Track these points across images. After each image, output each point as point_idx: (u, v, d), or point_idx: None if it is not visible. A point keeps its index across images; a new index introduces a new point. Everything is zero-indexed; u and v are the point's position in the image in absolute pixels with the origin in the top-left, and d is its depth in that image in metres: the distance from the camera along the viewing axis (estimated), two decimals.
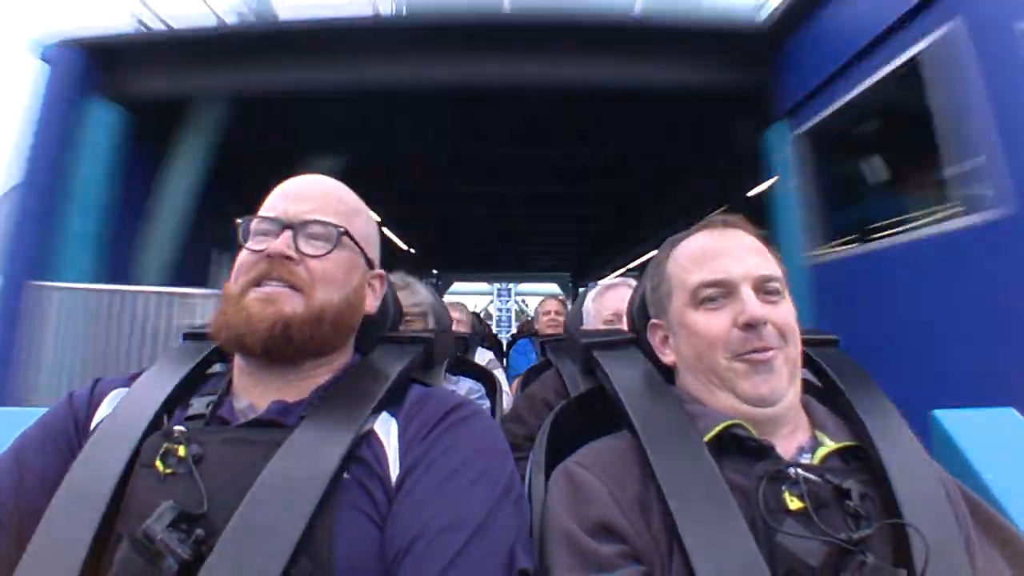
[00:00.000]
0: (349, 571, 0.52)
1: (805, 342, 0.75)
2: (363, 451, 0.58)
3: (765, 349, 0.64)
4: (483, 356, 2.84)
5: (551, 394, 1.26)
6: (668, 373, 0.76)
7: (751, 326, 0.64)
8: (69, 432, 0.64)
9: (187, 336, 0.82)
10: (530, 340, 3.69)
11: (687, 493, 0.57)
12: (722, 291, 0.67)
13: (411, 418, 0.63)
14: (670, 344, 0.74)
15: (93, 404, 0.66)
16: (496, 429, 0.68)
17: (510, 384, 2.91)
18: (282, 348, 0.62)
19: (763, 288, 0.67)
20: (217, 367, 0.77)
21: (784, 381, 0.64)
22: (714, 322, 0.67)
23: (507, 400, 2.58)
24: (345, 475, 0.56)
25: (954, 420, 0.89)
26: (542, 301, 3.78)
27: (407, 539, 0.52)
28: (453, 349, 1.13)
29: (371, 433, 0.60)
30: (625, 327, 1.49)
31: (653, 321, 0.77)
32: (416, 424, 0.62)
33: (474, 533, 0.53)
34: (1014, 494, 0.81)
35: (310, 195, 0.69)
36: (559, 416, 0.82)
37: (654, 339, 0.76)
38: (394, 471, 0.58)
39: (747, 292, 0.66)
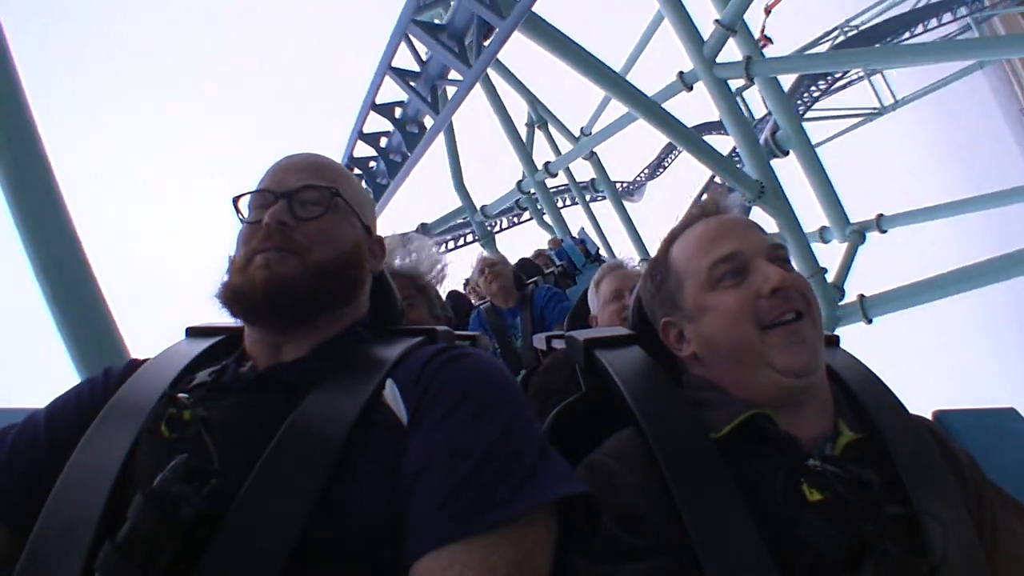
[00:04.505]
0: (362, 518, 0.51)
1: None
2: (374, 414, 0.58)
3: (795, 312, 0.64)
4: None
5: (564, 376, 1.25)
6: (673, 371, 0.76)
7: (777, 291, 0.65)
8: (97, 403, 0.64)
9: (190, 332, 0.82)
10: (477, 312, 2.72)
11: (693, 491, 0.57)
12: (737, 267, 0.68)
13: (405, 370, 0.63)
14: (686, 337, 0.73)
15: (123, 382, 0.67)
16: (496, 361, 0.67)
17: None
18: (288, 306, 0.64)
19: (775, 256, 0.68)
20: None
21: (816, 350, 0.65)
22: (738, 296, 0.67)
23: None
24: (359, 434, 0.55)
25: (957, 419, 0.89)
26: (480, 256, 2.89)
27: (418, 466, 0.52)
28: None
29: (379, 395, 0.60)
30: (625, 305, 1.50)
31: (665, 320, 0.76)
32: (411, 370, 0.62)
33: (487, 453, 0.51)
34: (1016, 494, 0.81)
35: (299, 166, 0.72)
36: (557, 422, 0.80)
37: (668, 337, 0.75)
38: (404, 419, 0.58)
39: (762, 263, 0.67)
